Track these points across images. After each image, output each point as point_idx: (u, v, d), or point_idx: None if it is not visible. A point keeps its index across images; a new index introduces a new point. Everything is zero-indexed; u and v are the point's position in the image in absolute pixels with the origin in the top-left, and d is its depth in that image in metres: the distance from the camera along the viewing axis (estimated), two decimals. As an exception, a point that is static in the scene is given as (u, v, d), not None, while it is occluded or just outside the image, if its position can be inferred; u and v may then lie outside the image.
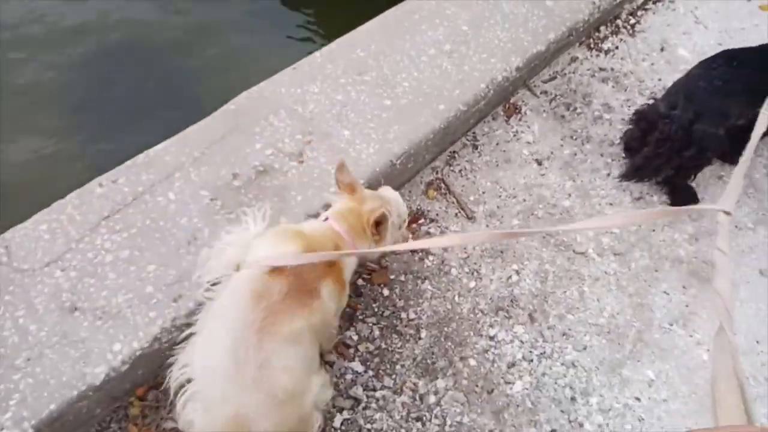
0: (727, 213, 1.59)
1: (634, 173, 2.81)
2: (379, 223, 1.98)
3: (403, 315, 2.38)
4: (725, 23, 3.69)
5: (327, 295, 1.82)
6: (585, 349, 2.37)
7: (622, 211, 2.75)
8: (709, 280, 2.52)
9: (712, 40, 3.55)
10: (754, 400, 2.25)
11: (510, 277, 2.53)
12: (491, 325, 2.39)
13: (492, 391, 2.23)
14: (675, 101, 2.64)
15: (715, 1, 3.84)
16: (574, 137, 3.03)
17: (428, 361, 2.28)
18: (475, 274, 2.53)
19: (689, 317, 2.48)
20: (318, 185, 2.38)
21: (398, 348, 2.30)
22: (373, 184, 2.45)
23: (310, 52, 2.91)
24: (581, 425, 2.20)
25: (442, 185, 2.80)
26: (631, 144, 2.87)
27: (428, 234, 2.63)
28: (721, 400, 1.22)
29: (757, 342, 2.44)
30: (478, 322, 2.39)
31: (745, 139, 2.06)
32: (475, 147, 2.95)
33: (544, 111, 3.12)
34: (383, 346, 2.30)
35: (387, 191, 2.21)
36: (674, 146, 2.61)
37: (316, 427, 1.80)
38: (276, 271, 1.70)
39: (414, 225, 2.63)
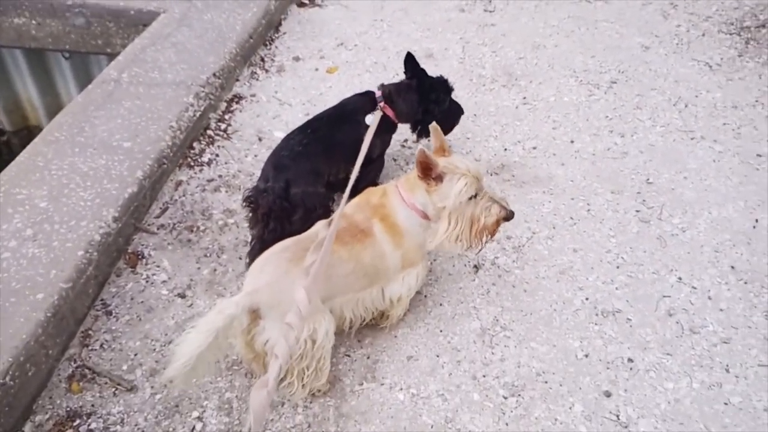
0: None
1: (258, 255, 2.80)
2: (426, 169, 2.19)
3: None
4: (305, 95, 4.05)
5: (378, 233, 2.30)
6: None
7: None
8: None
9: (300, 114, 3.85)
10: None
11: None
12: None
13: None
14: (267, 175, 2.70)
15: (291, 79, 4.21)
16: (208, 254, 2.97)
17: None
18: None
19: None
20: None
21: None
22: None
23: None
24: None
25: (87, 371, 2.49)
26: (253, 227, 2.82)
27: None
28: None
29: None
30: None
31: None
32: (109, 313, 2.70)
33: (169, 244, 3.01)
34: None
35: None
36: (280, 215, 2.64)
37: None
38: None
39: None
